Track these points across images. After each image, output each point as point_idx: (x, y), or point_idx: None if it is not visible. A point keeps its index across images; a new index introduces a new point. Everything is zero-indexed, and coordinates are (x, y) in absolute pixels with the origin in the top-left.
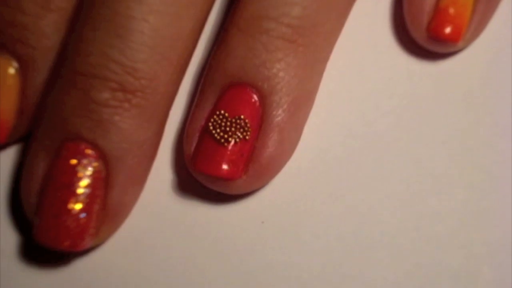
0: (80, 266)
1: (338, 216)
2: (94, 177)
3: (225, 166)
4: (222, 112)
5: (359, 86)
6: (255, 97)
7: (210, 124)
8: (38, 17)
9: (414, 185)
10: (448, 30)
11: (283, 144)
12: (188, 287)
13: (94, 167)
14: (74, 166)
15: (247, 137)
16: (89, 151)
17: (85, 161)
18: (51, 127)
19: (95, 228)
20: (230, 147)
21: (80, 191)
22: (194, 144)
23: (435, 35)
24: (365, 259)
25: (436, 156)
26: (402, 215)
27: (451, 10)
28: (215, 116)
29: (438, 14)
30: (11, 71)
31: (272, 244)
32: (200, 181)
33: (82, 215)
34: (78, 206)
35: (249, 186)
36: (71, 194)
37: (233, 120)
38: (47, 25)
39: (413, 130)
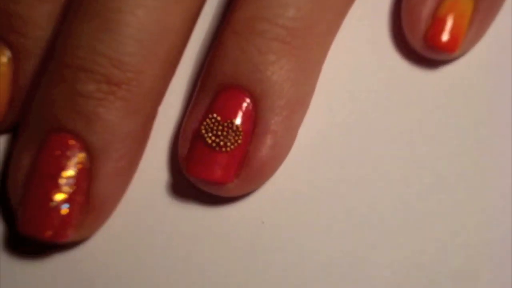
0: (79, 266)
1: (338, 216)
2: (78, 168)
3: (216, 171)
4: (215, 115)
5: (360, 86)
6: (248, 101)
7: (202, 127)
8: (31, 7)
9: (414, 185)
10: (445, 39)
11: (275, 148)
12: (188, 287)
13: (78, 159)
14: (58, 157)
15: (239, 141)
16: (73, 142)
17: (69, 153)
18: (37, 118)
19: (78, 220)
20: (221, 152)
21: (63, 181)
22: (187, 147)
23: (432, 44)
24: (365, 259)
25: (436, 156)
26: (402, 215)
27: (449, 20)
28: (207, 120)
29: (436, 23)
30: (4, 59)
31: (272, 244)
32: (194, 183)
33: (65, 205)
34: (61, 197)
35: (241, 189)
36: (55, 184)
37: (225, 124)
38: (40, 15)
39: (413, 130)
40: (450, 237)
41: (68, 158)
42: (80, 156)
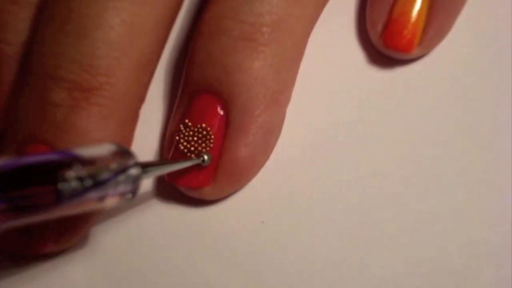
0: (77, 266)
1: (338, 216)
2: None
3: (191, 176)
4: (186, 121)
5: (360, 86)
6: (218, 104)
7: (176, 134)
8: (11, 13)
9: (414, 185)
10: (399, 39)
11: (249, 147)
12: (188, 287)
13: None
14: None
15: (210, 145)
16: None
17: None
18: (12, 130)
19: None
20: (193, 156)
21: None
22: (170, 153)
23: (387, 44)
24: (365, 259)
25: (436, 156)
26: (402, 215)
27: (402, 20)
28: (181, 126)
29: (390, 24)
30: None
31: (272, 243)
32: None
33: None
34: None
35: (219, 192)
36: None
37: (195, 130)
38: (20, 21)
39: (413, 130)
40: (450, 237)
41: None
42: None
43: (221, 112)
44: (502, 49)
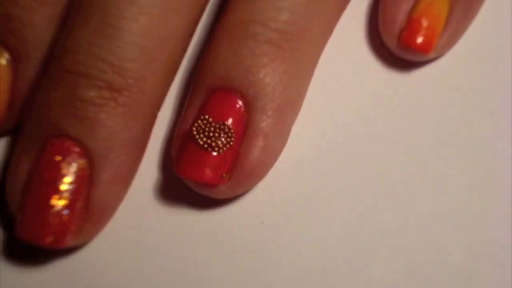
0: (76, 266)
1: (338, 216)
2: (78, 174)
3: (207, 172)
4: (207, 117)
5: (360, 87)
6: (240, 103)
7: (194, 129)
8: (31, 10)
9: (414, 185)
10: (419, 40)
11: (267, 150)
12: (188, 287)
13: (78, 164)
14: (58, 163)
15: (230, 143)
16: (73, 148)
17: (69, 158)
18: (37, 123)
19: (78, 226)
20: (213, 153)
21: (63, 187)
22: (180, 148)
23: (405, 45)
24: (365, 259)
25: (436, 156)
26: (402, 215)
27: (424, 21)
28: (199, 121)
29: (411, 25)
30: (3, 62)
31: (271, 243)
32: (186, 183)
33: (65, 211)
34: (62, 203)
35: (232, 191)
36: (55, 190)
37: (217, 126)
38: (40, 19)
39: (413, 130)
40: (450, 237)
41: (69, 163)
42: (81, 162)
43: (243, 111)
44: (502, 48)
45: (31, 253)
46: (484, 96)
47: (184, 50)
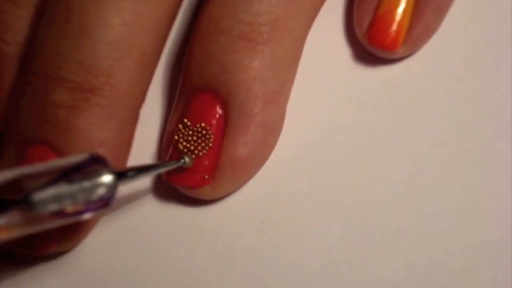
0: (76, 266)
1: (338, 216)
2: None
3: (189, 175)
4: (185, 121)
5: (358, 85)
6: (217, 103)
7: (175, 134)
8: (10, 13)
9: (414, 185)
10: (383, 37)
11: (248, 147)
12: (188, 287)
13: None
14: None
15: (209, 145)
16: (50, 155)
17: None
18: (13, 131)
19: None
20: (193, 156)
21: None
22: (168, 153)
23: (372, 42)
24: (365, 259)
25: (436, 156)
26: (402, 215)
27: (387, 18)
28: (180, 126)
29: (375, 22)
30: None
31: (272, 244)
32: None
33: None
34: None
35: (219, 191)
36: None
37: (195, 129)
38: (19, 21)
39: (413, 130)
40: (450, 237)
41: None
42: None
43: (220, 111)
44: (502, 48)
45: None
46: (484, 96)
47: (160, 45)
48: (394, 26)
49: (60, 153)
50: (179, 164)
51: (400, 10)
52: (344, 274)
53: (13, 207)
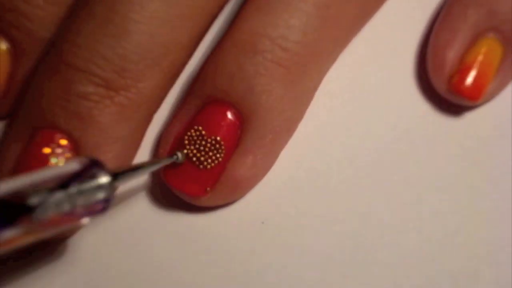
0: (75, 267)
1: (338, 216)
2: None
3: (191, 184)
4: (200, 128)
5: (360, 87)
6: (235, 119)
7: (186, 138)
8: (38, 7)
9: (414, 185)
10: (470, 87)
11: (253, 169)
12: None
13: (66, 158)
14: (47, 155)
15: (220, 159)
16: (63, 141)
17: (58, 151)
18: (29, 112)
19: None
20: (200, 166)
21: None
22: (167, 149)
23: (455, 90)
24: (365, 260)
25: (436, 156)
26: (402, 215)
27: (476, 68)
28: (192, 131)
29: (462, 70)
30: (3, 46)
31: (272, 244)
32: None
33: None
34: None
35: (213, 202)
36: None
37: (209, 141)
38: (45, 16)
39: (413, 130)
40: (450, 237)
41: (57, 156)
42: (69, 155)
43: (237, 128)
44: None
45: (30, 253)
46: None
47: (188, 58)
48: (482, 77)
49: (75, 142)
50: (172, 160)
51: (490, 60)
52: (344, 274)
53: (18, 218)
